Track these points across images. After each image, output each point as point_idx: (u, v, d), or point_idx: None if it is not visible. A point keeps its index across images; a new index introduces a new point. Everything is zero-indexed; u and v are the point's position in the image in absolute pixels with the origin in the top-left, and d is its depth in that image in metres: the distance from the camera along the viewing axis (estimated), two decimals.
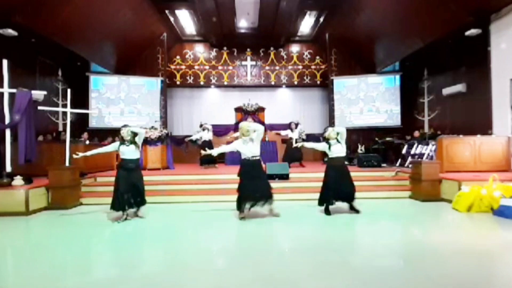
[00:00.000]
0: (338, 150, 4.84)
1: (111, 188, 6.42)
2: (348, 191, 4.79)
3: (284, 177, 6.79)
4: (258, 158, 4.63)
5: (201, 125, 12.18)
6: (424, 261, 2.91)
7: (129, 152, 4.52)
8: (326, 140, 4.92)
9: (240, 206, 4.59)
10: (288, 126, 9.26)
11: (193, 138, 9.59)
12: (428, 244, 3.42)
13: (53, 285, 2.53)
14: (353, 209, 4.88)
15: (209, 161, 8.58)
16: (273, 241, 3.83)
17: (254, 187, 4.50)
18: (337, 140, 4.86)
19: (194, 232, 4.18)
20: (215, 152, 4.89)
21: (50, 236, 4.08)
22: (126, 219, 4.53)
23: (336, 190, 4.74)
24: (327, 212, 4.81)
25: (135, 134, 4.63)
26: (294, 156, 8.46)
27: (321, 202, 4.86)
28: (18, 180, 5.42)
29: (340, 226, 4.30)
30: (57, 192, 5.52)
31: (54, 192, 5.53)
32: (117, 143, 4.67)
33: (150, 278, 2.66)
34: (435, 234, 3.79)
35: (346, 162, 5.13)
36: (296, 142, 8.33)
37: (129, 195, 4.51)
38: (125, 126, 4.67)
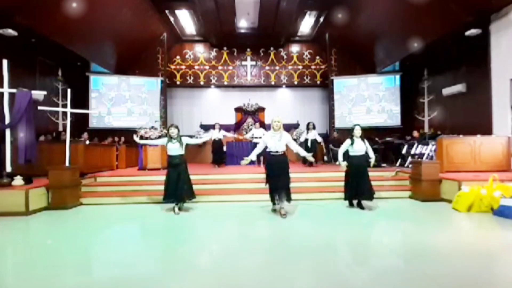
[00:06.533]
0: (359, 148, 5.03)
1: (111, 188, 6.54)
2: (366, 188, 4.96)
3: None
4: (280, 154, 4.68)
5: (201, 126, 12.27)
6: (424, 261, 2.91)
7: (174, 149, 4.95)
8: (351, 137, 5.07)
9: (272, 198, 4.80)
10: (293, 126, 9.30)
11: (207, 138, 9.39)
12: (428, 244, 3.41)
13: (53, 285, 2.53)
14: (360, 206, 5.09)
15: (220, 161, 9.00)
16: (276, 241, 3.83)
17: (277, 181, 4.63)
18: (361, 139, 5.05)
19: (194, 232, 4.18)
20: (253, 156, 4.86)
21: (50, 236, 4.07)
22: (179, 210, 4.94)
23: (355, 188, 4.99)
24: (351, 204, 5.24)
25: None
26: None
27: (346, 197, 5.26)
28: (18, 180, 5.42)
29: (340, 226, 4.29)
30: (57, 192, 5.51)
31: (54, 192, 5.52)
32: (165, 139, 5.07)
33: (151, 277, 2.66)
34: (435, 234, 3.79)
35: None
36: (311, 143, 8.47)
37: (174, 188, 4.85)
38: (172, 125, 5.07)
